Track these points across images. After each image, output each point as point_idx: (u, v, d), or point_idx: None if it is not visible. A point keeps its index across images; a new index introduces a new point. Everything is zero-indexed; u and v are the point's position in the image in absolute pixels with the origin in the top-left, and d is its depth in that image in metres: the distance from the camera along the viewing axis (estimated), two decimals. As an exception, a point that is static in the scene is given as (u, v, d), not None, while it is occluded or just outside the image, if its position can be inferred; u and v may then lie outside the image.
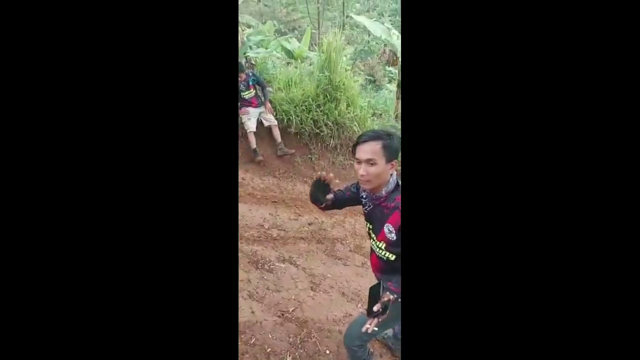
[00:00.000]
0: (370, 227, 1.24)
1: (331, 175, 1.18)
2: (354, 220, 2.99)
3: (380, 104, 4.79)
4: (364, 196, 1.24)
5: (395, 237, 1.12)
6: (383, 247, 1.18)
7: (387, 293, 1.10)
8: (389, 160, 1.09)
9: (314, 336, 1.73)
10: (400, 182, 1.15)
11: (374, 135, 1.09)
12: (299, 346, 1.66)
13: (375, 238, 1.21)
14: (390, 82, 6.80)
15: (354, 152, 1.12)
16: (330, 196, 1.22)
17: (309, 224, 2.87)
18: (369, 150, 1.08)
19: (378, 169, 1.08)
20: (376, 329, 1.07)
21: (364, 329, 1.08)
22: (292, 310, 1.88)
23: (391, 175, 1.13)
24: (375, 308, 1.06)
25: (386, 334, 1.73)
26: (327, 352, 1.66)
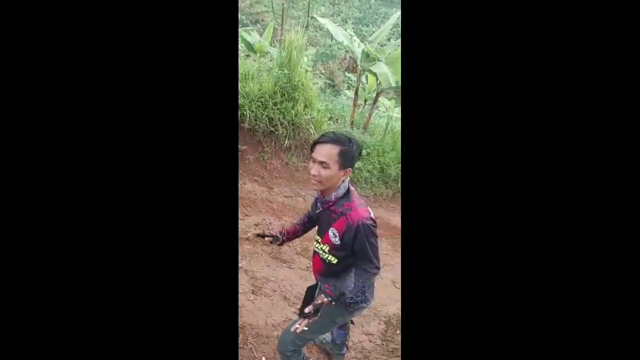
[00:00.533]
0: (317, 229, 1.24)
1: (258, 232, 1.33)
2: (302, 223, 2.96)
3: (337, 109, 4.85)
4: (316, 196, 1.24)
5: (338, 242, 1.12)
6: (326, 250, 1.18)
7: (322, 295, 1.11)
8: (342, 167, 1.08)
9: (250, 342, 1.66)
10: (350, 189, 1.14)
11: (335, 139, 1.08)
12: (234, 354, 1.57)
13: (319, 240, 1.21)
14: (349, 88, 6.93)
15: (312, 150, 1.11)
16: (270, 236, 1.31)
17: (255, 225, 2.77)
18: (325, 152, 1.06)
19: (329, 173, 1.07)
20: (306, 328, 1.06)
21: (292, 328, 1.07)
22: (230, 316, 1.78)
23: (343, 181, 1.13)
24: (307, 309, 1.06)
25: (324, 338, 1.72)
26: (263, 358, 1.60)
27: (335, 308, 1.20)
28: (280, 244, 1.32)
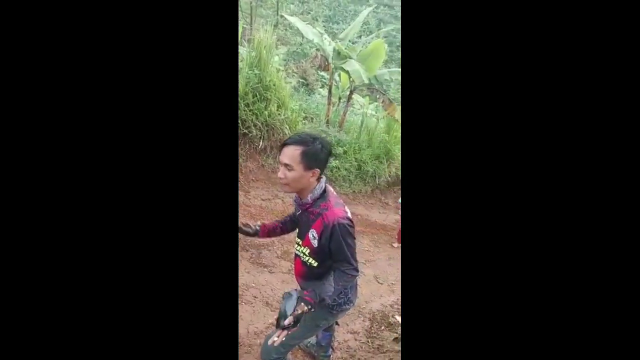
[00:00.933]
0: (297, 232, 1.22)
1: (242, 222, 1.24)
2: (281, 225, 2.91)
3: (312, 107, 4.83)
4: (294, 199, 1.21)
5: (316, 244, 1.10)
6: (307, 253, 1.16)
7: (302, 304, 1.08)
8: (307, 167, 1.05)
9: (232, 354, 1.59)
10: (326, 188, 1.12)
11: (299, 140, 1.05)
12: (215, 368, 1.51)
13: (300, 243, 1.19)
14: (322, 86, 6.92)
15: (279, 152, 1.09)
16: (252, 226, 1.26)
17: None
18: (289, 154, 1.04)
19: (295, 175, 1.05)
20: (284, 339, 1.03)
21: (270, 342, 1.03)
22: (209, 327, 1.71)
23: (319, 181, 1.11)
24: (286, 322, 1.02)
25: (309, 342, 1.69)
26: (247, 369, 1.55)
27: (318, 312, 1.17)
28: (253, 235, 1.27)
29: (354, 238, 1.08)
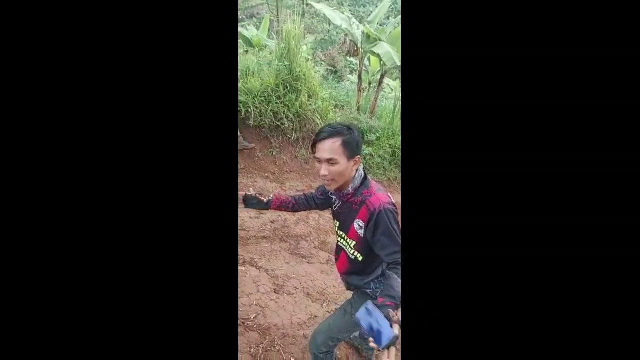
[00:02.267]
0: (339, 224, 1.18)
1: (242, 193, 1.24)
2: (318, 216, 2.91)
3: (342, 95, 4.73)
4: (331, 193, 1.18)
5: (364, 234, 1.06)
6: (353, 246, 1.13)
7: (389, 311, 0.90)
8: (351, 157, 1.01)
9: (277, 344, 1.63)
10: (365, 174, 1.08)
11: (333, 132, 1.00)
12: (262, 357, 1.55)
13: (344, 236, 1.16)
14: (351, 73, 6.76)
15: (313, 150, 1.04)
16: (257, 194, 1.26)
17: (272, 222, 2.74)
18: (329, 149, 0.99)
19: (340, 168, 1.00)
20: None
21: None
22: (254, 318, 1.76)
23: (357, 170, 1.06)
24: (396, 332, 0.83)
25: (354, 334, 1.69)
26: None
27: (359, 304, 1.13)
28: (265, 207, 1.27)
29: (399, 224, 1.02)
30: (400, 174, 4.05)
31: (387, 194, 1.06)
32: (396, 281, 1.01)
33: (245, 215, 2.72)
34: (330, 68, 6.47)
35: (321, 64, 5.97)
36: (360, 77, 4.55)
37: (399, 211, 1.04)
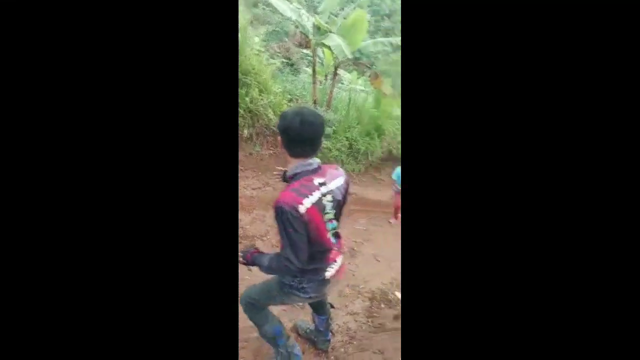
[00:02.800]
0: None
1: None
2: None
3: (297, 88, 4.66)
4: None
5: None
6: None
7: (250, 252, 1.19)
8: (283, 145, 1.08)
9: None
10: (299, 175, 1.07)
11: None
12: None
13: None
14: (308, 65, 6.69)
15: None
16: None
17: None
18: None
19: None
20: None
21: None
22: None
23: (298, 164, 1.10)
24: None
25: (308, 328, 1.68)
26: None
27: (270, 282, 1.22)
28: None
29: (296, 231, 0.99)
30: (357, 166, 4.10)
31: (297, 197, 1.00)
32: (265, 260, 1.13)
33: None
34: (286, 60, 6.36)
35: (277, 56, 5.84)
36: (314, 70, 4.51)
37: (350, 203, 1.06)
